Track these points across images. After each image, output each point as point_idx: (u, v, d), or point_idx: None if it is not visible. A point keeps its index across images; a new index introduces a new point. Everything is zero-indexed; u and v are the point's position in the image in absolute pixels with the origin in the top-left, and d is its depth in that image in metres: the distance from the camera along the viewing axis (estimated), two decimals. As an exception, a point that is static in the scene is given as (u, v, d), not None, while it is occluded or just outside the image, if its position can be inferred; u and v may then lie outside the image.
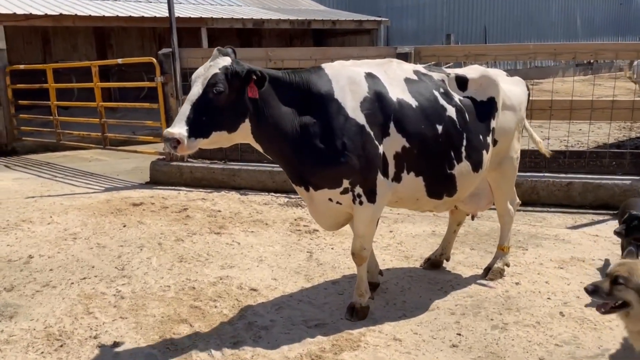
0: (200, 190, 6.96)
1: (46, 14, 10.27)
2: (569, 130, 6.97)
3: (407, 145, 3.44)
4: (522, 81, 4.37)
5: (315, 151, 3.25)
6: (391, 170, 3.46)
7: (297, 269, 4.45)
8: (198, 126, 3.00)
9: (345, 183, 3.33)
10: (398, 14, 23.99)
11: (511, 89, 4.12)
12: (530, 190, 6.12)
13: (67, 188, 7.22)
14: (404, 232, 5.33)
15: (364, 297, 3.63)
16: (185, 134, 2.96)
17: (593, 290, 2.66)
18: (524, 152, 6.70)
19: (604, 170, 6.26)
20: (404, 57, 6.36)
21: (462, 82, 3.86)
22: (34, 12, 10.27)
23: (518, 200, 4.58)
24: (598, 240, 4.98)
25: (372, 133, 3.32)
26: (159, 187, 7.21)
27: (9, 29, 12.67)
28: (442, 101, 3.65)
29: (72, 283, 4.13)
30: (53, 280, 4.19)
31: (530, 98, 6.31)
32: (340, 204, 3.43)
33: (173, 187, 7.11)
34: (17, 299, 3.88)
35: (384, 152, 3.39)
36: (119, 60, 7.91)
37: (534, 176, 6.21)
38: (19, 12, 10.08)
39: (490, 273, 4.20)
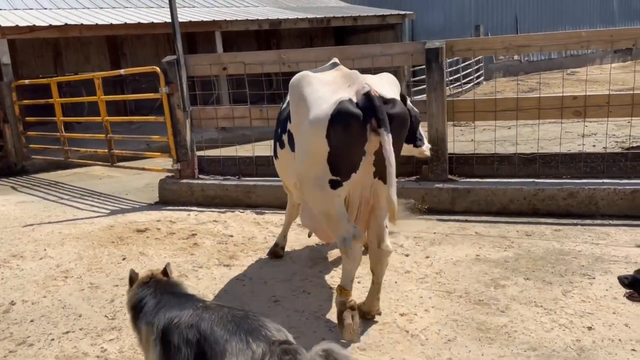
0: (213, 209, 6.31)
1: (51, 25, 9.81)
2: (630, 122, 6.04)
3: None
4: (327, 103, 3.20)
5: None
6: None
7: (317, 312, 3.74)
8: None
9: None
10: (423, 6, 23.03)
11: (310, 106, 3.26)
12: (588, 200, 5.28)
13: (70, 212, 6.67)
14: (443, 257, 4.56)
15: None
16: None
17: None
18: (577, 156, 5.88)
19: (674, 173, 5.36)
20: (434, 52, 5.59)
21: None
22: (39, 23, 9.82)
23: (344, 235, 3.36)
24: (680, 263, 4.12)
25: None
26: (168, 207, 6.60)
27: (19, 43, 12.36)
28: None
29: (53, 339, 3.51)
30: (32, 335, 3.58)
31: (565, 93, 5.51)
32: None
33: (183, 207, 6.48)
34: (-15, 363, 3.28)
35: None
36: (122, 71, 7.36)
37: (590, 183, 5.36)
38: (22, 24, 9.63)
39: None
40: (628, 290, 2.65)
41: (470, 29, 21.43)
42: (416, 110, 4.71)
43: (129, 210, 6.63)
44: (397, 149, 3.27)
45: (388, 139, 3.04)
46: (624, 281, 2.63)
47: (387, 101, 3.21)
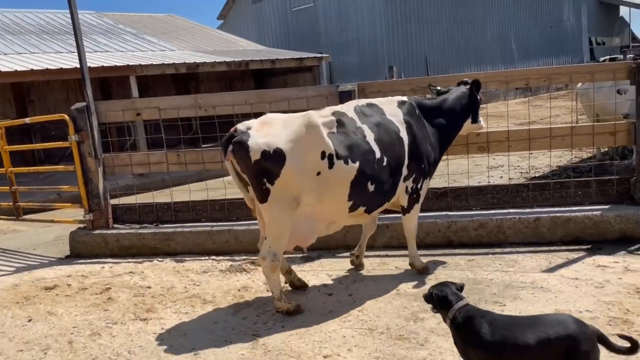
0: (129, 260, 6.05)
1: (-53, 73, 9.23)
2: (530, 154, 6.53)
3: None
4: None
5: None
6: None
7: (239, 361, 3.64)
8: None
9: None
10: (339, 49, 23.98)
11: None
12: (496, 229, 5.58)
13: (-32, 273, 6.13)
14: (365, 294, 4.62)
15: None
16: None
17: None
18: (484, 188, 6.23)
19: (570, 201, 5.80)
20: (347, 95, 5.80)
21: None
22: None
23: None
24: (579, 285, 4.43)
25: None
26: (80, 261, 6.24)
27: None
28: None
29: (-57, 418, 3.17)
30: None
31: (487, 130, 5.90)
32: None
33: (97, 260, 6.16)
34: None
35: None
36: (27, 120, 6.99)
37: (498, 214, 5.68)
38: None
39: None
40: (430, 306, 3.05)
41: (384, 69, 22.44)
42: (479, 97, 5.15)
43: (37, 266, 6.21)
44: (241, 165, 4.11)
45: (226, 160, 4.12)
46: (424, 297, 3.01)
47: (237, 133, 4.08)
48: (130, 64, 12.06)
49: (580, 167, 8.86)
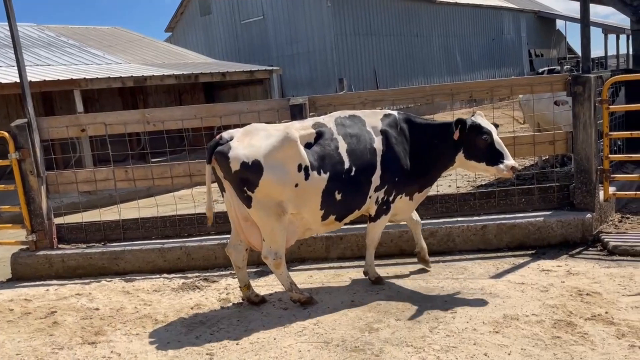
0: (76, 281, 5.83)
1: None
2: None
3: None
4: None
5: None
6: None
7: (193, 382, 3.56)
8: None
9: None
10: (290, 62, 24.11)
11: None
12: (446, 237, 5.72)
13: None
14: (320, 306, 4.63)
15: None
16: None
17: None
18: (433, 197, 6.39)
19: (514, 208, 6.02)
20: (298, 108, 5.83)
21: None
22: None
23: None
24: (525, 290, 4.59)
25: None
26: (23, 284, 5.95)
27: None
28: None
29: None
30: None
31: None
32: None
33: (41, 283, 5.90)
34: None
35: None
36: (-39, 138, 6.64)
37: (447, 222, 5.83)
38: None
39: None
40: None
41: (334, 81, 22.72)
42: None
43: (-25, 291, 5.87)
44: (223, 172, 4.35)
45: (206, 168, 4.40)
46: None
47: (222, 142, 4.32)
48: (74, 77, 11.69)
49: (523, 174, 9.21)
